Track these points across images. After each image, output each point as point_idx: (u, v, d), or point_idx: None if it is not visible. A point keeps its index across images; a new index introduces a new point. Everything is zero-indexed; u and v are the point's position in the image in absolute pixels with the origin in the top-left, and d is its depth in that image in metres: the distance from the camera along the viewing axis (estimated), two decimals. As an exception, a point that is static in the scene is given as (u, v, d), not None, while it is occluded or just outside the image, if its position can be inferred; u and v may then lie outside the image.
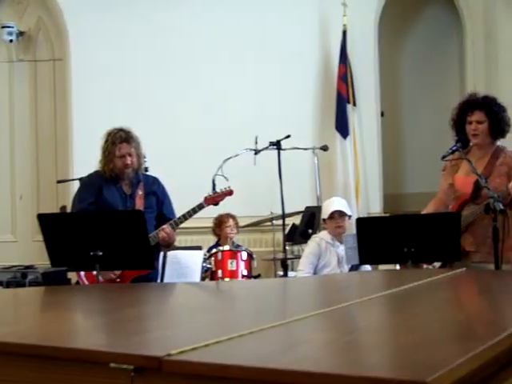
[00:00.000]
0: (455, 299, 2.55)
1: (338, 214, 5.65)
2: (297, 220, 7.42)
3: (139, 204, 4.89)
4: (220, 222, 7.03)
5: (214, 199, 5.05)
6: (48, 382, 1.71)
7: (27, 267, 6.16)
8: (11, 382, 1.77)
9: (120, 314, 2.44)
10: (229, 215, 6.99)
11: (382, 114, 8.96)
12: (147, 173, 5.79)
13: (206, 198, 5.00)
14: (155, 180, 5.16)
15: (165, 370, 1.50)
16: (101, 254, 4.12)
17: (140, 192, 4.94)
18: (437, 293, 2.69)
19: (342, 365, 1.43)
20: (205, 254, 6.11)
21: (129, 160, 4.86)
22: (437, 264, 4.66)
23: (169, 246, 4.97)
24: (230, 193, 5.14)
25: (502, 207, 4.06)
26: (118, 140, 4.89)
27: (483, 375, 1.62)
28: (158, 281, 5.03)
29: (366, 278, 3.74)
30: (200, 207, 4.94)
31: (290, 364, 1.43)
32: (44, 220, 4.27)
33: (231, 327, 1.95)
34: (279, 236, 6.69)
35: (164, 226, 4.80)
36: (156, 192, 5.05)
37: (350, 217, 5.67)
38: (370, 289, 3.13)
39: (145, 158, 5.75)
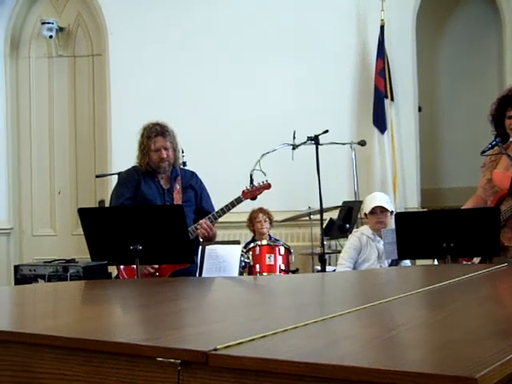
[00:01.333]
0: (497, 295, 2.53)
1: (380, 210, 5.65)
2: (334, 215, 7.43)
3: (177, 198, 4.93)
4: (251, 218, 7.09)
5: (252, 193, 5.08)
6: (95, 375, 1.73)
7: (68, 261, 6.22)
8: (60, 375, 1.80)
9: (161, 309, 2.47)
10: (260, 210, 7.02)
11: (420, 109, 8.91)
12: (185, 167, 5.85)
13: (243, 192, 5.03)
14: (193, 174, 5.20)
15: (211, 364, 1.52)
16: (140, 248, 4.15)
17: (178, 186, 4.98)
18: (478, 289, 2.69)
19: (385, 360, 1.44)
20: (242, 249, 6.14)
21: (164, 154, 4.90)
22: (476, 259, 4.65)
23: (210, 240, 5.00)
24: (268, 186, 5.16)
25: (542, 203, 4.03)
26: (154, 134, 4.94)
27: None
28: (197, 275, 5.07)
29: (406, 274, 3.73)
30: (238, 201, 4.96)
31: (333, 359, 1.44)
32: (84, 214, 4.32)
33: (275, 322, 1.96)
34: (317, 230, 6.70)
35: (201, 221, 4.83)
36: (194, 186, 5.09)
37: (391, 212, 5.65)
38: (410, 285, 3.13)
39: (182, 152, 5.81)
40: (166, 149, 4.93)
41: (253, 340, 1.63)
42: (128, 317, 2.44)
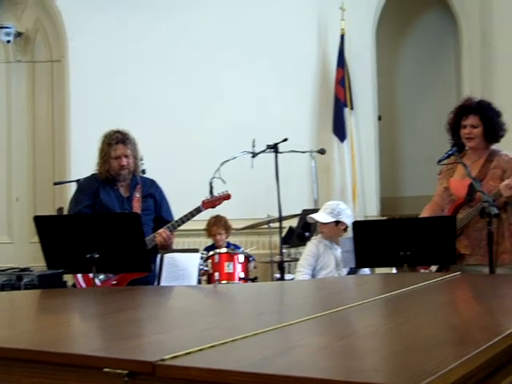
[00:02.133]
0: (450, 303, 2.55)
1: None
2: (294, 223, 7.44)
3: (136, 207, 4.90)
4: (208, 230, 7.09)
5: (212, 203, 5.08)
6: (42, 386, 1.71)
7: (23, 269, 6.13)
8: (5, 386, 1.78)
9: (116, 318, 2.44)
10: (215, 223, 7.03)
11: (380, 118, 8.99)
12: (145, 175, 5.81)
13: (203, 202, 5.03)
14: (153, 182, 5.17)
15: (158, 374, 1.51)
16: (97, 256, 4.11)
17: (137, 195, 4.95)
18: (431, 297, 2.70)
19: (334, 370, 1.44)
20: (201, 257, 6.12)
21: (124, 161, 4.87)
22: (433, 267, 4.68)
23: (167, 249, 4.98)
24: (227, 197, 5.16)
25: (496, 211, 4.08)
26: (114, 141, 4.91)
27: (476, 379, 1.64)
28: (155, 284, 5.04)
29: (362, 282, 3.74)
30: (198, 211, 4.96)
31: (282, 369, 1.44)
32: (40, 222, 4.27)
33: (226, 331, 1.95)
34: (276, 239, 6.70)
35: (160, 231, 4.82)
36: (154, 195, 5.07)
37: (338, 222, 5.63)
38: (365, 293, 3.14)
39: (142, 160, 5.77)
40: (126, 156, 4.90)
41: (201, 350, 1.62)
42: (80, 327, 2.41)
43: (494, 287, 3.06)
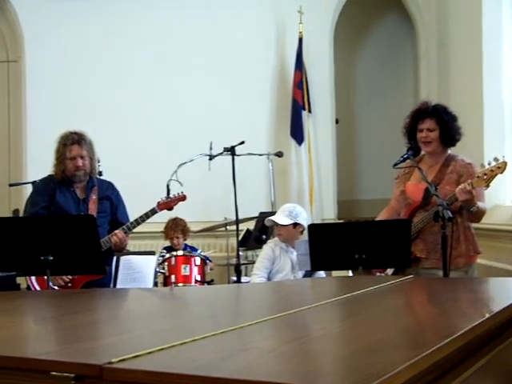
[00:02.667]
0: (400, 306, 2.57)
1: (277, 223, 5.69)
2: (251, 225, 7.45)
3: (92, 208, 4.87)
4: (166, 233, 7.07)
5: (167, 204, 5.06)
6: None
7: (-26, 272, 6.05)
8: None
9: (67, 321, 2.43)
10: (173, 226, 7.01)
11: (337, 121, 9.04)
12: (102, 177, 5.78)
13: (158, 203, 5.01)
14: (110, 184, 5.14)
15: (106, 378, 1.50)
16: (51, 258, 4.08)
17: (94, 196, 4.92)
18: (383, 300, 2.72)
19: (282, 373, 1.45)
20: (158, 259, 6.11)
21: (80, 162, 4.84)
22: (389, 271, 4.71)
23: (121, 250, 4.95)
24: (183, 198, 5.15)
25: (450, 215, 4.12)
26: (70, 142, 4.87)
27: (425, 381, 1.65)
28: (111, 286, 5.01)
29: (316, 285, 3.76)
30: (153, 212, 4.94)
31: (231, 372, 1.44)
32: (-6, 224, 4.23)
33: (177, 334, 1.95)
34: (233, 241, 6.70)
35: (116, 231, 4.79)
36: (110, 197, 5.03)
37: (296, 225, 5.64)
38: (319, 295, 3.14)
39: (99, 162, 5.74)
40: (82, 157, 4.87)
41: (150, 353, 1.62)
42: (30, 330, 2.39)
43: (446, 290, 3.09)
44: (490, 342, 2.27)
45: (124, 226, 4.83)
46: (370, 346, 1.75)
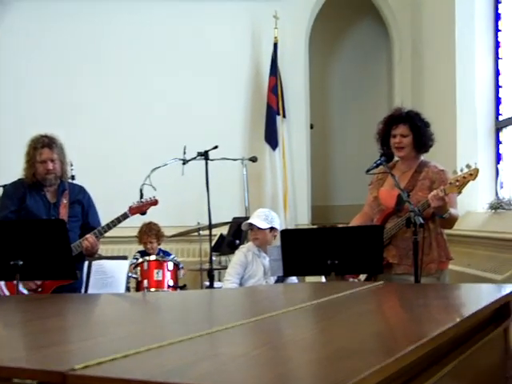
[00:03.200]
0: (370, 312, 2.57)
1: (256, 226, 5.66)
2: (225, 230, 7.43)
3: (63, 213, 4.83)
4: (139, 237, 7.04)
5: (139, 209, 5.02)
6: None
7: None
8: None
9: (34, 327, 2.40)
10: (147, 231, 6.99)
11: (312, 127, 9.05)
12: (74, 181, 5.74)
13: (130, 208, 4.97)
14: (81, 189, 5.09)
15: (69, 384, 1.49)
16: (21, 263, 4.04)
17: (65, 201, 4.88)
18: (353, 306, 2.72)
19: (245, 380, 1.44)
20: (133, 261, 6.08)
21: (50, 165, 4.79)
22: (362, 276, 4.72)
23: (92, 255, 4.92)
24: (154, 202, 5.11)
25: (421, 221, 4.12)
26: (40, 145, 4.83)
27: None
28: (82, 291, 4.97)
29: (288, 290, 3.75)
30: (124, 217, 4.90)
31: (194, 379, 1.43)
32: (-37, 228, 4.18)
33: (144, 340, 1.92)
34: (206, 246, 6.68)
35: (87, 236, 4.75)
36: (81, 201, 4.99)
37: (272, 229, 5.64)
38: (290, 301, 3.14)
39: (72, 165, 5.71)
40: (52, 161, 4.82)
41: (114, 359, 1.60)
42: (-4, 335, 2.36)
43: (416, 296, 3.10)
44: (458, 347, 2.28)
45: (95, 231, 4.79)
46: (338, 351, 1.74)
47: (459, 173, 4.31)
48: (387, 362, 1.56)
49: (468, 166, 4.31)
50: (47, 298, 3.77)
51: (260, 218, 5.66)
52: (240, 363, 1.61)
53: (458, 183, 4.28)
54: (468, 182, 4.31)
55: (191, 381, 1.40)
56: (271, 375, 1.49)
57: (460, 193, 4.43)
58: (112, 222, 4.84)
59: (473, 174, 4.30)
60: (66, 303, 3.30)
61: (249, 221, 5.70)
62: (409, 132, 4.65)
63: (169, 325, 2.42)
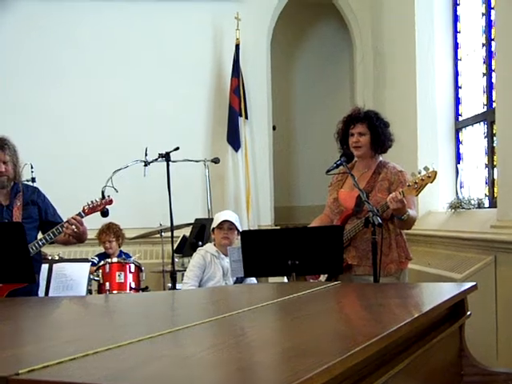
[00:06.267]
0: (326, 311, 2.57)
1: (228, 226, 5.63)
2: (188, 232, 7.40)
3: (17, 215, 4.75)
4: (99, 238, 7.01)
5: (94, 209, 4.97)
6: None
7: None
8: None
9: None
10: (106, 229, 6.96)
11: (274, 128, 9.06)
12: (34, 183, 5.69)
13: (84, 208, 4.91)
14: (35, 189, 5.02)
15: (12, 389, 1.46)
16: (-23, 266, 3.99)
17: (18, 203, 4.80)
18: (310, 305, 2.72)
19: (187, 382, 1.42)
20: (93, 264, 6.04)
21: (2, 167, 4.72)
22: (323, 277, 4.73)
23: (81, 237, 4.83)
24: (109, 202, 5.06)
25: (380, 221, 4.15)
26: None
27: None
28: (42, 294, 4.91)
29: (246, 291, 3.75)
30: (79, 216, 4.83)
31: (137, 381, 1.42)
32: None
33: (93, 343, 1.89)
34: (169, 248, 6.65)
35: (69, 218, 4.69)
36: (36, 201, 4.91)
37: (239, 232, 5.64)
38: (247, 301, 3.14)
39: (32, 168, 5.64)
40: (4, 163, 4.74)
41: (61, 363, 1.58)
42: None
43: (373, 295, 3.11)
44: (413, 344, 2.29)
45: (49, 232, 4.72)
46: (290, 351, 1.74)
47: (418, 175, 4.34)
48: (337, 360, 1.56)
49: (426, 169, 4.34)
50: (3, 302, 3.71)
51: (234, 219, 5.67)
52: (187, 365, 1.60)
53: (416, 186, 4.31)
54: (426, 184, 4.34)
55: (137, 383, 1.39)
56: (215, 377, 1.48)
57: (417, 195, 4.47)
58: (66, 222, 4.76)
59: (431, 177, 4.33)
60: (20, 307, 3.25)
61: (227, 218, 5.65)
62: (366, 131, 4.69)
63: (120, 326, 2.40)
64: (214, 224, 5.71)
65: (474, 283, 2.99)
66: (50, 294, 5.04)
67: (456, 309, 2.88)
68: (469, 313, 2.95)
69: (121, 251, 7.12)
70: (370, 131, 4.68)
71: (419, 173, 4.35)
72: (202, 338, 2.02)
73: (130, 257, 6.86)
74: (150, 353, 1.75)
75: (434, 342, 2.48)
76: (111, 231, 6.97)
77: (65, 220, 4.81)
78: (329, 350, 1.75)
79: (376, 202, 4.46)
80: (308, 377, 1.40)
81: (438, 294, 3.04)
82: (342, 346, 1.77)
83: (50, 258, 5.96)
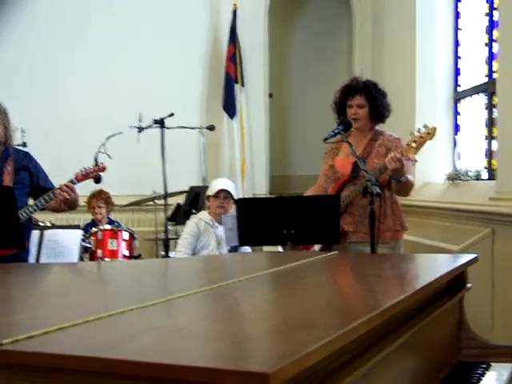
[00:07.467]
0: (321, 283, 2.50)
1: (224, 195, 5.57)
2: (182, 200, 7.34)
3: (7, 180, 4.64)
4: (88, 203, 6.96)
5: (86, 175, 4.89)
6: None
7: None
8: None
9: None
10: (94, 196, 6.90)
11: (271, 96, 8.98)
12: (25, 148, 5.61)
13: (76, 174, 4.83)
14: (26, 154, 4.91)
15: (-4, 360, 1.39)
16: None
17: (9, 167, 4.69)
18: (305, 276, 2.65)
19: (180, 355, 1.35)
20: (84, 234, 5.96)
21: None
22: (317, 247, 4.68)
23: (73, 204, 4.76)
24: (102, 169, 4.98)
25: (378, 191, 4.08)
26: None
27: (334, 365, 1.59)
28: (33, 261, 4.85)
29: (241, 260, 3.68)
30: (71, 183, 4.74)
31: (128, 354, 1.34)
32: None
33: (83, 312, 1.81)
34: (162, 216, 6.59)
35: (61, 184, 4.62)
36: (27, 166, 4.80)
37: (234, 201, 5.57)
38: (242, 271, 3.07)
39: (23, 132, 5.56)
40: None
41: (47, 333, 1.51)
42: None
43: (370, 266, 3.04)
44: (413, 318, 2.23)
45: (41, 198, 4.63)
46: (287, 323, 1.67)
47: (416, 133, 4.28)
48: (338, 333, 1.49)
49: (425, 126, 4.28)
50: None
51: (231, 188, 5.61)
52: (179, 337, 1.52)
53: (415, 144, 4.26)
54: (425, 141, 4.28)
55: (129, 355, 1.32)
56: (209, 351, 1.41)
57: (415, 162, 4.39)
58: (57, 189, 4.68)
59: (430, 133, 4.26)
60: (9, 274, 3.17)
61: (224, 188, 5.59)
62: (365, 103, 4.65)
63: (113, 295, 2.32)
64: (210, 192, 5.64)
65: (476, 255, 2.92)
66: (41, 261, 4.97)
67: (456, 281, 2.81)
68: (469, 285, 2.88)
69: (109, 219, 7.05)
70: (369, 102, 4.64)
71: (418, 131, 4.28)
72: (196, 309, 1.94)
73: (121, 225, 6.79)
74: (141, 323, 1.68)
75: (435, 315, 2.43)
76: (102, 197, 6.91)
77: (57, 186, 4.73)
78: (328, 323, 1.68)
79: (372, 167, 4.41)
80: (309, 350, 1.33)
81: (438, 265, 2.97)
82: (341, 319, 1.71)
83: (41, 224, 5.90)
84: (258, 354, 1.37)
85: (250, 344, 1.45)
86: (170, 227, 6.56)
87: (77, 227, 5.66)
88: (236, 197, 5.67)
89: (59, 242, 5.20)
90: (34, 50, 8.21)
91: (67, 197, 4.62)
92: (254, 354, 1.35)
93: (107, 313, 1.72)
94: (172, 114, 6.16)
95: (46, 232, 5.21)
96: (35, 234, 5.06)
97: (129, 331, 1.59)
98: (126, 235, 6.13)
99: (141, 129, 6.20)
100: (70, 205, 4.77)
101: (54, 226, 5.74)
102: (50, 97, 8.16)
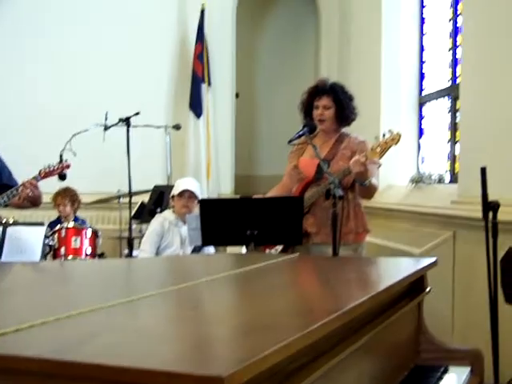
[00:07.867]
0: (282, 285, 2.51)
1: (188, 194, 5.57)
2: (146, 198, 7.32)
3: (-30, 177, 4.64)
4: (54, 200, 6.91)
5: (50, 173, 4.89)
6: None
7: None
8: None
9: None
10: (61, 193, 6.84)
11: (237, 96, 8.99)
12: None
13: (40, 172, 4.82)
14: None
15: None
16: None
17: (-28, 164, 4.68)
18: (266, 278, 2.65)
19: (138, 357, 1.35)
20: (48, 232, 5.92)
21: None
22: (279, 247, 4.69)
23: (36, 201, 4.75)
24: (66, 166, 4.98)
25: (341, 193, 4.10)
26: None
27: (293, 367, 1.60)
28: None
29: (203, 261, 3.68)
30: (35, 180, 4.73)
31: (86, 356, 1.34)
32: None
33: (41, 313, 1.80)
34: (126, 214, 6.57)
35: (24, 181, 4.59)
36: None
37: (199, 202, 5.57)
38: (203, 272, 3.07)
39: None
40: None
41: (3, 334, 1.50)
42: None
43: (331, 269, 3.06)
44: (372, 321, 2.25)
45: (4, 195, 4.62)
46: (245, 326, 1.67)
47: (381, 138, 4.31)
48: (296, 336, 1.50)
49: (390, 132, 4.31)
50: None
51: (196, 188, 5.61)
52: (139, 338, 1.53)
53: (379, 149, 4.28)
54: (390, 147, 4.31)
55: (86, 357, 1.32)
56: (169, 353, 1.41)
57: (380, 165, 4.42)
58: (21, 185, 4.67)
59: (395, 139, 4.29)
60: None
61: (189, 188, 5.58)
62: (331, 104, 4.67)
63: (74, 295, 2.31)
64: (175, 191, 5.63)
65: (435, 259, 2.95)
66: (3, 258, 4.92)
67: (415, 284, 2.84)
68: (429, 288, 2.92)
69: (76, 217, 7.01)
70: (335, 104, 4.66)
71: (383, 136, 4.32)
72: (157, 310, 1.94)
73: (85, 222, 6.75)
74: (101, 324, 1.67)
75: (394, 319, 2.45)
76: (67, 194, 6.86)
77: (20, 183, 4.70)
78: (287, 326, 1.68)
79: (337, 169, 4.44)
80: (265, 354, 1.34)
81: (398, 269, 3.00)
82: (300, 322, 1.72)
83: (4, 221, 5.85)
84: (215, 357, 1.37)
85: (208, 347, 1.46)
86: (134, 225, 6.54)
87: (41, 224, 5.61)
88: (201, 196, 5.67)
89: (22, 238, 5.14)
90: (1, 47, 8.13)
91: (30, 193, 4.60)
92: (211, 357, 1.36)
93: (66, 313, 1.71)
94: (138, 113, 6.15)
95: (9, 229, 5.16)
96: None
97: (86, 332, 1.59)
98: (89, 233, 6.10)
99: (106, 127, 6.18)
100: (33, 201, 4.75)
101: (17, 223, 5.69)
102: (15, 93, 8.09)
